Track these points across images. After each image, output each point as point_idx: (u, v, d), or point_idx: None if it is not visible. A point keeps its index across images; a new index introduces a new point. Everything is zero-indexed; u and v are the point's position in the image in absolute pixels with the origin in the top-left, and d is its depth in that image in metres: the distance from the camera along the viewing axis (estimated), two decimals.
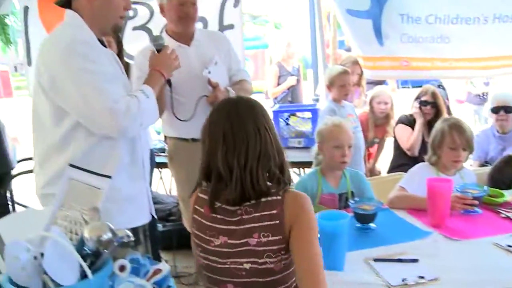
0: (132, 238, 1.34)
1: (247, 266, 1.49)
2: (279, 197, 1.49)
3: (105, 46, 2.02)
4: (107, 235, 1.25)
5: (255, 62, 15.81)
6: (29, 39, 4.14)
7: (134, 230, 1.89)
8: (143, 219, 2.10)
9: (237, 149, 1.48)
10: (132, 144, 2.00)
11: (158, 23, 3.87)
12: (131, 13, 3.93)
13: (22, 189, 3.93)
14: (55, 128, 1.85)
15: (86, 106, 1.79)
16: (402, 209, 2.37)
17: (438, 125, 2.61)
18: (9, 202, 3.20)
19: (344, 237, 1.79)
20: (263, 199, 1.49)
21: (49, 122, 1.86)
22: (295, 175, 3.95)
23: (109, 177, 1.44)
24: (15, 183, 3.57)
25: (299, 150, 3.80)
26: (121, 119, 1.80)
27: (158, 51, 2.20)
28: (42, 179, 1.92)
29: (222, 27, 3.83)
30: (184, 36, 2.64)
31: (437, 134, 2.56)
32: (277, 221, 1.47)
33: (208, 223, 1.56)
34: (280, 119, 3.93)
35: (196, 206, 1.61)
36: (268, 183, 1.52)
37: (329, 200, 2.51)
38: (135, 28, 4.00)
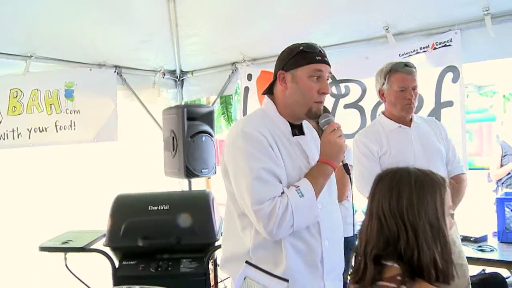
0: None
1: None
2: None
3: (301, 131, 1.98)
4: None
5: (480, 137, 14.66)
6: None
7: None
8: None
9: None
10: (303, 239, 1.84)
11: (371, 101, 3.80)
12: (342, 90, 3.92)
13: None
14: (244, 237, 1.86)
15: (243, 203, 1.79)
16: None
17: None
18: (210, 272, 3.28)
19: None
20: None
21: (239, 229, 1.88)
22: None
23: (286, 280, 1.35)
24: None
25: None
26: (264, 222, 1.73)
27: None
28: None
29: (439, 105, 3.44)
30: (403, 119, 2.72)
31: None
32: None
33: None
34: (506, 209, 3.39)
35: None
36: None
37: None
38: (346, 106, 3.92)
